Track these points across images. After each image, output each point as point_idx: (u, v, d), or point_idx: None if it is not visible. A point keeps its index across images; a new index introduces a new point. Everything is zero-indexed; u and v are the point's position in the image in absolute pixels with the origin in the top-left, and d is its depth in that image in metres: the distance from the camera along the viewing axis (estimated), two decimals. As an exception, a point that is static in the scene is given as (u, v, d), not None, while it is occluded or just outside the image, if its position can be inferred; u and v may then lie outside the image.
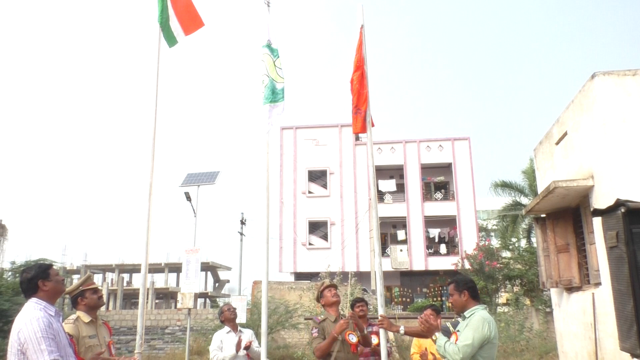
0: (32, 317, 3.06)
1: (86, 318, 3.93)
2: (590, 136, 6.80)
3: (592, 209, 6.61)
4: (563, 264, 7.87)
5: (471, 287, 3.72)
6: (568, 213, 7.84)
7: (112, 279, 42.56)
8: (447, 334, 4.45)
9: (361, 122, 5.13)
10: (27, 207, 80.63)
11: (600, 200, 6.50)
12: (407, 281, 27.45)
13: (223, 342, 5.68)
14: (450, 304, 4.12)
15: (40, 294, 3.24)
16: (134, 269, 42.28)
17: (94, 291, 4.06)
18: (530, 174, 25.01)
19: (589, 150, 6.89)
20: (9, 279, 18.19)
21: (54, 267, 3.46)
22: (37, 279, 3.26)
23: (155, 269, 39.43)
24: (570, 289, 7.84)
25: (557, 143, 8.07)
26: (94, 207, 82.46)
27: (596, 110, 6.58)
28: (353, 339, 4.62)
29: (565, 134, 7.72)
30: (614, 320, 6.20)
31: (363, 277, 24.32)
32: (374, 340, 4.76)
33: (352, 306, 5.15)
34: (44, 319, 3.07)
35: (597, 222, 6.58)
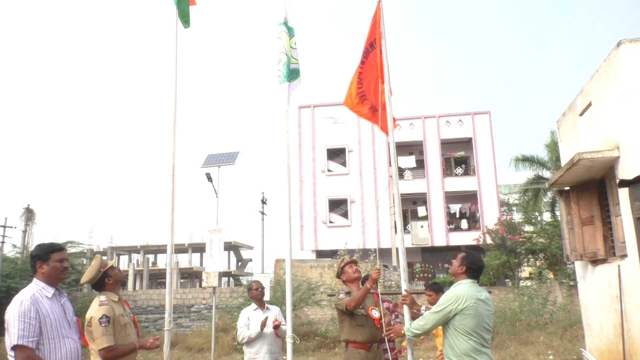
0: (19, 298, 3.06)
1: (114, 297, 3.97)
2: (616, 106, 6.64)
3: (618, 180, 6.49)
4: (588, 236, 7.78)
5: (473, 268, 3.70)
6: (592, 185, 7.71)
7: (137, 260, 43.53)
8: None
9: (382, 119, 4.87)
10: (54, 191, 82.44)
11: (627, 171, 6.37)
12: (428, 257, 27.47)
13: (250, 319, 5.79)
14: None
15: (38, 276, 3.21)
16: (158, 250, 43.10)
17: (112, 267, 4.05)
18: (552, 147, 24.62)
19: (614, 120, 6.74)
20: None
21: (63, 251, 3.31)
22: (36, 259, 3.22)
23: (179, 249, 40.12)
24: (595, 261, 7.76)
25: (581, 114, 7.90)
26: (118, 190, 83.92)
27: (622, 79, 6.41)
28: (376, 314, 4.66)
29: (589, 105, 7.55)
30: (640, 292, 6.14)
31: (384, 254, 24.42)
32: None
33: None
34: (27, 301, 3.03)
35: (623, 193, 6.47)
